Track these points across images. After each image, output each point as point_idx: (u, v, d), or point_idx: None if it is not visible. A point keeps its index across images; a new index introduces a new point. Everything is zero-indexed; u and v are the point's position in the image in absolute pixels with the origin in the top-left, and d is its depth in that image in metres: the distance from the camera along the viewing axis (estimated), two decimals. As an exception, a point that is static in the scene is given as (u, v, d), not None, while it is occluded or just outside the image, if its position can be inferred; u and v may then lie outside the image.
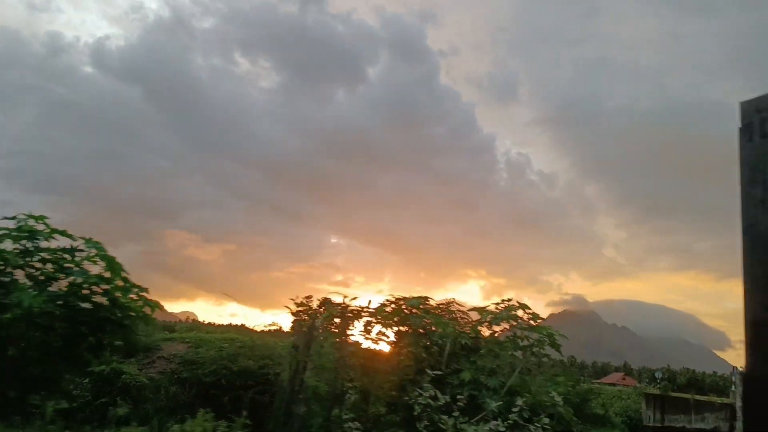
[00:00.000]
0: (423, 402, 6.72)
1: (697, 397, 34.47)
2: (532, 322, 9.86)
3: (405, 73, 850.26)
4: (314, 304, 9.39)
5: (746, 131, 3.44)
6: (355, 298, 9.64)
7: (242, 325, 39.26)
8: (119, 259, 6.97)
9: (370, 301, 9.74)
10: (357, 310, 9.53)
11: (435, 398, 7.05)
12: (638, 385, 79.60)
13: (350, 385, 8.98)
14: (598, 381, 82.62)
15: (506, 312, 9.54)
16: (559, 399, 8.79)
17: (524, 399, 7.53)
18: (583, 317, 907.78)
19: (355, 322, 9.57)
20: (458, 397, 7.54)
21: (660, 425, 29.34)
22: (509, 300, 9.72)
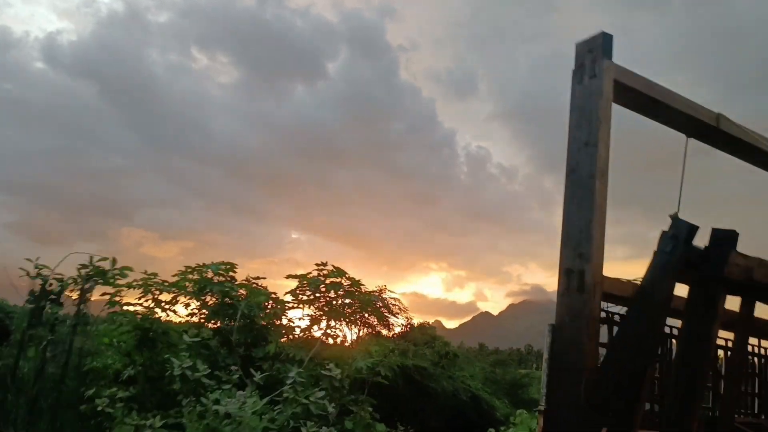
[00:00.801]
0: (177, 373, 5.84)
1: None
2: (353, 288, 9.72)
3: (365, 68, 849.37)
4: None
5: (578, 73, 3.25)
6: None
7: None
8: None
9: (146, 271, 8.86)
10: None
11: (195, 369, 6.04)
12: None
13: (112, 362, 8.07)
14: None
15: (316, 281, 9.07)
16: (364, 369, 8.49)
17: (299, 371, 6.84)
18: (543, 306, 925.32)
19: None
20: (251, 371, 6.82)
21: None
22: (324, 264, 9.29)
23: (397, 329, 22.84)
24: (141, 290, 8.64)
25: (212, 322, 8.84)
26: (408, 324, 23.17)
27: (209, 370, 6.47)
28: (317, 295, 9.37)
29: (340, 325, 12.36)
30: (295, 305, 9.61)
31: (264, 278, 8.89)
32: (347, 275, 8.99)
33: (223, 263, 8.77)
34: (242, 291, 8.79)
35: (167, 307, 8.92)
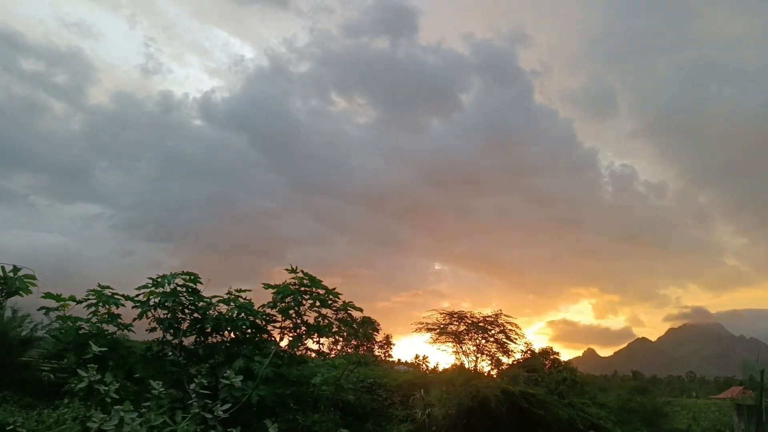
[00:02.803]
0: (82, 386, 5.11)
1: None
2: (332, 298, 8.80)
3: (498, 96, 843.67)
4: None
5: None
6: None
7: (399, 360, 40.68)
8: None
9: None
10: None
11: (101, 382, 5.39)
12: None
13: None
14: (716, 396, 76.60)
15: (286, 288, 8.02)
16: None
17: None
18: (706, 330, 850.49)
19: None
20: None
21: (757, 439, 26.62)
22: (294, 269, 7.99)
23: (518, 355, 21.94)
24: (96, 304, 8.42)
25: (175, 336, 8.10)
26: (528, 350, 22.27)
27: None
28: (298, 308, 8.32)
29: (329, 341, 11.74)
30: (273, 319, 8.63)
31: (249, 290, 8.04)
32: (322, 283, 8.02)
33: (184, 273, 8.01)
34: (223, 306, 8.15)
35: (122, 321, 8.60)
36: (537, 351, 23.44)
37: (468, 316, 23.51)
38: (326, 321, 7.95)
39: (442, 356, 23.02)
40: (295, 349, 7.73)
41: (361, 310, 7.79)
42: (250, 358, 6.83)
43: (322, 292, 7.56)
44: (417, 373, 20.26)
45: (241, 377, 5.53)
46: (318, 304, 7.60)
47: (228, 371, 5.17)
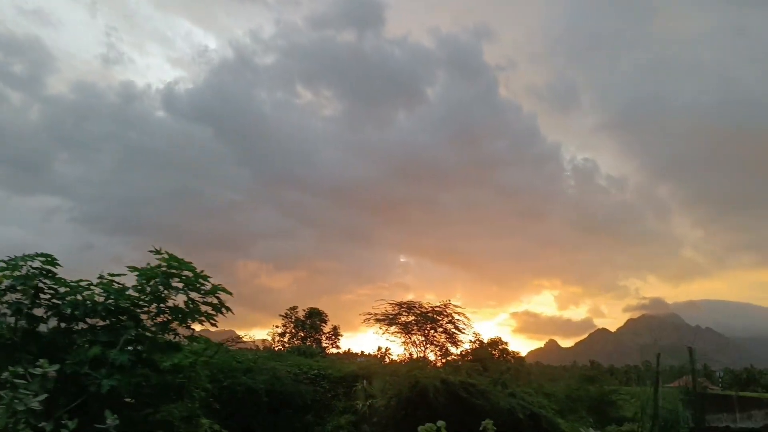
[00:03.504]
0: None
1: (743, 393, 31.78)
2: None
3: (464, 90, 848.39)
4: None
5: None
6: None
7: (362, 353, 40.38)
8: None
9: None
10: None
11: None
12: (714, 388, 75.53)
13: None
14: (670, 385, 78.24)
15: (150, 270, 6.97)
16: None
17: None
18: (664, 320, 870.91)
19: None
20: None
21: (701, 426, 27.13)
22: (158, 250, 7.19)
23: (467, 345, 21.88)
24: None
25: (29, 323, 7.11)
26: (477, 340, 22.30)
27: None
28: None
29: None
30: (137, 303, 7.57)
31: (123, 275, 6.96)
32: (191, 265, 7.02)
33: (38, 254, 6.97)
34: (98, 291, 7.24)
35: None
36: (486, 341, 23.48)
37: (417, 306, 23.39)
38: (194, 305, 7.15)
39: (396, 348, 22.82)
40: (165, 335, 7.01)
41: (230, 293, 7.27)
42: (110, 345, 6.21)
43: (190, 274, 6.86)
44: (362, 364, 20.00)
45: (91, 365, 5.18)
46: (186, 287, 6.89)
47: (41, 360, 4.64)
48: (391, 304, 22.95)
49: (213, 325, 7.33)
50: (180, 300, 7.06)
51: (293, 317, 35.04)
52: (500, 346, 27.66)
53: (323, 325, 35.40)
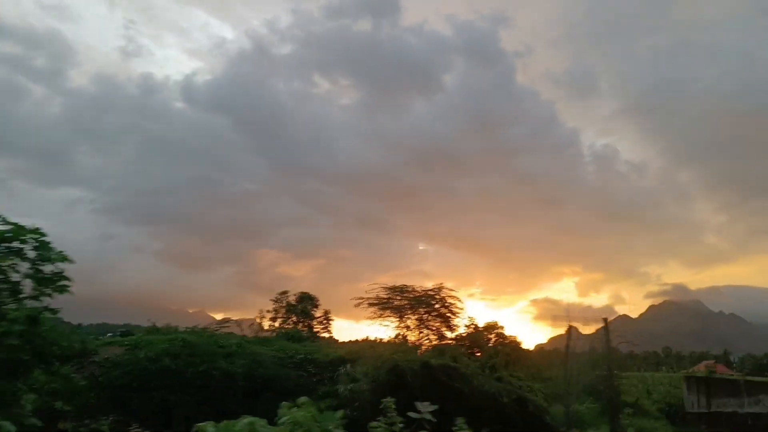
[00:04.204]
0: None
1: (750, 378, 30.99)
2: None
3: (481, 77, 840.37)
4: None
5: None
6: None
7: (356, 340, 39.55)
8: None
9: None
10: None
11: None
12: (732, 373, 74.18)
13: None
14: (689, 371, 77.49)
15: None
16: None
17: None
18: (686, 307, 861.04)
19: None
20: None
21: (706, 411, 26.42)
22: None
23: (461, 330, 21.52)
24: None
25: None
26: (472, 324, 21.95)
27: None
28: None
29: None
30: None
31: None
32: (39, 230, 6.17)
33: None
34: None
35: None
36: (480, 325, 23.07)
37: (410, 290, 23.01)
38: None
39: (389, 332, 22.43)
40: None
41: (73, 261, 6.74)
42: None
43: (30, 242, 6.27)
44: (350, 348, 19.74)
45: None
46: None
47: None
48: (384, 288, 22.65)
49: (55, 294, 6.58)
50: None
51: (285, 302, 34.89)
52: (496, 330, 27.23)
53: (315, 309, 35.20)
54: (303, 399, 4.25)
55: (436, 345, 19.04)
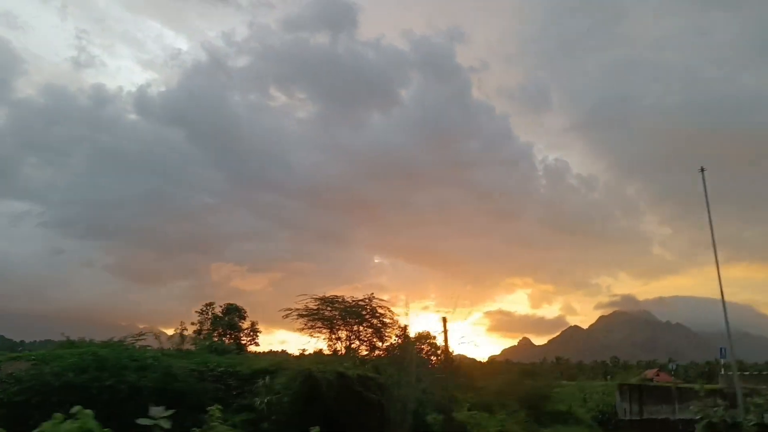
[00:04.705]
0: None
1: (681, 384, 31.78)
2: None
3: (437, 91, 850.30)
4: None
5: None
6: None
7: (283, 351, 38.62)
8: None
9: None
10: None
11: None
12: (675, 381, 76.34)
13: None
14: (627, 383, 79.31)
15: None
16: None
17: None
18: (636, 317, 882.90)
19: None
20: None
21: (638, 417, 26.80)
22: None
23: (393, 340, 21.31)
24: None
25: None
26: (403, 335, 21.79)
27: None
28: None
29: None
30: None
31: None
32: None
33: None
34: None
35: None
36: (412, 336, 22.84)
37: (340, 300, 22.69)
38: None
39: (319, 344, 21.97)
40: None
41: None
42: None
43: None
44: (273, 360, 19.25)
45: None
46: None
47: None
48: (314, 298, 22.27)
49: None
50: None
51: (210, 313, 34.09)
52: (429, 341, 27.12)
53: (242, 321, 34.48)
54: (78, 408, 3.88)
55: (361, 356, 18.74)
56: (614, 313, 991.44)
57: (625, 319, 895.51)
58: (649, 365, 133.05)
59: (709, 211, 22.31)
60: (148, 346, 18.82)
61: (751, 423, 12.12)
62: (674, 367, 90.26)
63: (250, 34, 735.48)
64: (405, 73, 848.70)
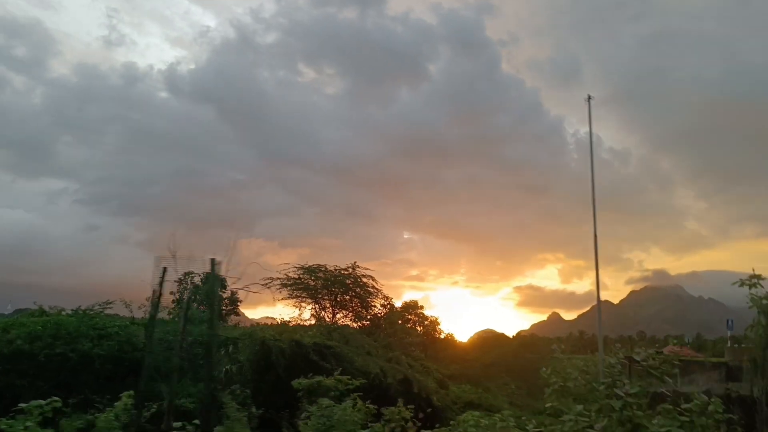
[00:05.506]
0: None
1: (684, 357, 30.76)
2: None
3: (466, 66, 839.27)
4: None
5: None
6: None
7: (267, 319, 38.66)
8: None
9: None
10: None
11: None
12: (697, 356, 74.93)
13: None
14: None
15: None
16: None
17: None
18: (667, 292, 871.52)
19: None
20: None
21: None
22: None
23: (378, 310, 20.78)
24: None
25: None
26: (388, 304, 21.18)
27: None
28: None
29: None
30: None
31: None
32: None
33: None
34: None
35: None
36: (398, 305, 22.25)
37: (323, 269, 22.18)
38: None
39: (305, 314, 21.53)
40: None
41: None
42: None
43: None
44: (246, 330, 18.81)
45: None
46: None
47: None
48: (294, 267, 21.83)
49: None
50: None
51: (189, 282, 33.42)
52: (416, 311, 26.45)
53: (224, 291, 33.78)
54: None
55: (325, 323, 18.20)
56: (645, 288, 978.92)
57: (656, 295, 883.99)
58: (680, 341, 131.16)
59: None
60: (117, 314, 18.48)
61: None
62: (689, 340, 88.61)
63: (278, 9, 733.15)
64: (434, 47, 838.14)
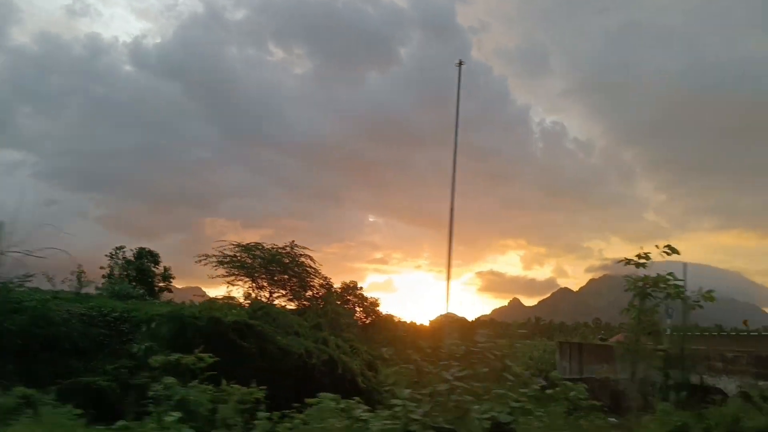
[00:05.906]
0: None
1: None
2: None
3: (436, 51, 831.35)
4: None
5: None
6: None
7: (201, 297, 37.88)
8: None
9: None
10: None
11: None
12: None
13: None
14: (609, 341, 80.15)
15: None
16: None
17: None
18: (625, 281, 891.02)
19: None
20: None
21: (578, 377, 26.13)
22: None
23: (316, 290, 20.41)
24: None
25: None
26: (326, 285, 20.78)
27: None
28: None
29: None
30: None
31: None
32: None
33: None
34: None
35: None
36: (337, 287, 22.01)
37: (260, 248, 21.78)
38: None
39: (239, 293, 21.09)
40: None
41: None
42: None
43: None
44: (173, 307, 18.33)
45: None
46: None
47: None
48: (230, 245, 21.38)
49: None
50: None
51: (121, 257, 32.77)
52: (356, 292, 26.31)
53: (156, 267, 33.16)
54: None
55: (254, 301, 17.83)
56: (604, 276, 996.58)
57: (615, 283, 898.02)
58: (621, 327, 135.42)
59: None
60: (37, 288, 17.82)
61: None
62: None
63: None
64: (405, 31, 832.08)
